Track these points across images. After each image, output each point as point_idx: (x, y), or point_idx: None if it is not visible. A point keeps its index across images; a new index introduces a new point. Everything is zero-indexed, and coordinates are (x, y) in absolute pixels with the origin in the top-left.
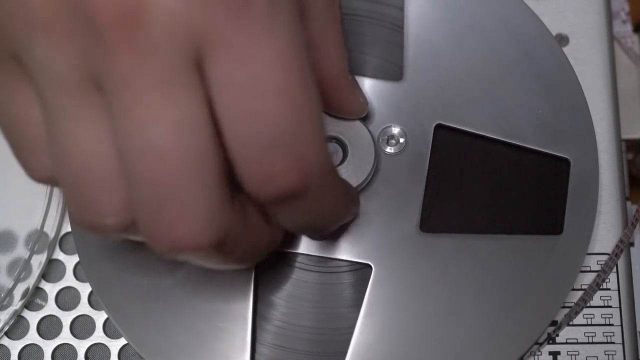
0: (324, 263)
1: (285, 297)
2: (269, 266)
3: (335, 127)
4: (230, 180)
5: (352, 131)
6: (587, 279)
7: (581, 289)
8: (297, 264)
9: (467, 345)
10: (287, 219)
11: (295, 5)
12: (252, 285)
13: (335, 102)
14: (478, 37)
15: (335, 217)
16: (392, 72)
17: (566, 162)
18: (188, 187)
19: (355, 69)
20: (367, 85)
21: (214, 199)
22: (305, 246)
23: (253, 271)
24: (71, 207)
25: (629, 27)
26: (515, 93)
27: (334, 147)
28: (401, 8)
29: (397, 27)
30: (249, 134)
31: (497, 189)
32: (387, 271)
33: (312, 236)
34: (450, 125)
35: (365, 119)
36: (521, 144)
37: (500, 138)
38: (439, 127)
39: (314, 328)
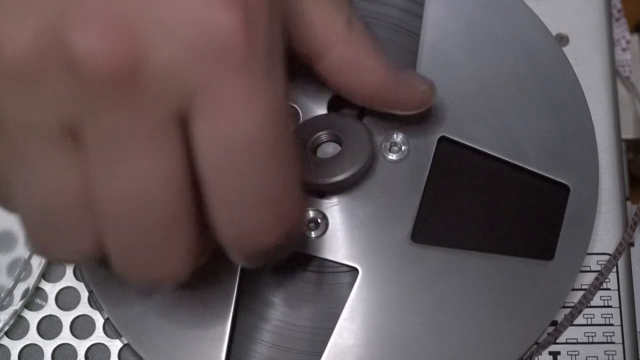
0: (319, 263)
1: (282, 296)
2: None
3: (332, 121)
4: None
5: (349, 127)
6: (587, 278)
7: (581, 289)
8: (291, 263)
9: (446, 359)
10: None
11: (283, 60)
12: (237, 277)
13: (394, 102)
14: (491, 50)
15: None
16: None
17: (566, 188)
18: (167, 233)
19: None
20: None
21: (190, 241)
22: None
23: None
24: (36, 241)
25: (628, 56)
26: (523, 112)
27: (333, 147)
28: (420, 16)
29: (414, 34)
30: (235, 191)
31: (493, 208)
32: (373, 277)
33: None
34: (454, 138)
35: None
36: (523, 165)
37: (502, 157)
38: (443, 139)
39: (312, 328)
